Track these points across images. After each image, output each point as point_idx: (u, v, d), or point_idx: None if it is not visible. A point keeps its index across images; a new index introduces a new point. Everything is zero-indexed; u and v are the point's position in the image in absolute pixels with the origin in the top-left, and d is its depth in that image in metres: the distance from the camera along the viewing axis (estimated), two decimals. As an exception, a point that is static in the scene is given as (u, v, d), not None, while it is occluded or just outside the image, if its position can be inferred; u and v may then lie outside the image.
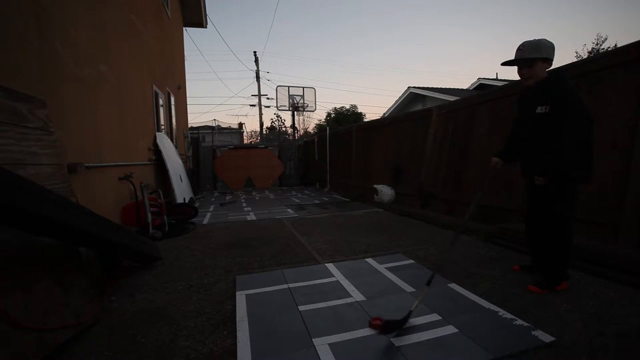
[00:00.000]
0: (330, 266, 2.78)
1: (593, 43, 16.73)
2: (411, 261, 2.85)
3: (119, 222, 3.73)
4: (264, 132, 22.76)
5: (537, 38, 2.06)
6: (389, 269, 2.67)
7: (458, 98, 5.45)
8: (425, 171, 5.28)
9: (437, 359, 1.51)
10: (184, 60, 10.06)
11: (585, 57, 13.90)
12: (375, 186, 6.33)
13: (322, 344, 1.64)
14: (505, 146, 2.40)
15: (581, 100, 1.96)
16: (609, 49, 13.68)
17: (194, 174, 9.32)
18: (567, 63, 3.22)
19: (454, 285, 2.30)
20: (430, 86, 14.16)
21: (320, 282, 2.45)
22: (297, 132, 13.63)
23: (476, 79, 13.26)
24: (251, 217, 5.32)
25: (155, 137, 5.90)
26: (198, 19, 10.20)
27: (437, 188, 5.01)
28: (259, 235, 3.96)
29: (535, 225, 2.30)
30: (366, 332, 1.74)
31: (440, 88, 13.61)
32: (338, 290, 2.28)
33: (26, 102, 2.19)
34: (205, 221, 5.04)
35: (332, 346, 1.62)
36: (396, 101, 15.35)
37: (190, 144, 9.82)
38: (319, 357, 1.54)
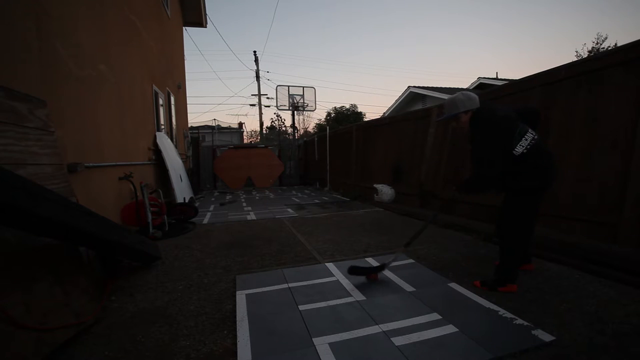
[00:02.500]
0: (330, 265, 2.78)
1: (593, 42, 16.75)
2: (411, 260, 2.85)
3: (119, 222, 3.73)
4: (264, 131, 22.77)
5: (452, 95, 2.37)
6: (389, 268, 2.67)
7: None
8: (425, 170, 5.27)
9: (437, 359, 1.51)
10: (183, 59, 10.06)
11: (585, 56, 13.89)
12: (375, 186, 6.33)
13: (322, 343, 1.64)
14: None
15: (489, 132, 2.09)
16: (609, 48, 13.67)
17: (194, 174, 9.32)
18: (566, 63, 3.22)
19: (454, 285, 2.30)
20: (430, 85, 14.16)
21: (320, 281, 2.45)
22: (297, 132, 13.63)
23: (476, 79, 13.25)
24: (251, 216, 5.32)
25: (155, 136, 5.90)
26: (198, 19, 10.20)
27: (437, 187, 5.00)
28: (259, 235, 3.96)
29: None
30: (366, 331, 1.74)
31: (440, 87, 13.60)
32: (338, 290, 2.28)
33: (26, 102, 2.19)
34: (205, 221, 5.04)
35: (332, 345, 1.62)
36: (396, 101, 15.33)
37: (190, 144, 9.82)
38: (319, 356, 1.54)
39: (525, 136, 2.09)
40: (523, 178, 2.10)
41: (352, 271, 2.48)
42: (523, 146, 2.07)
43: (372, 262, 2.85)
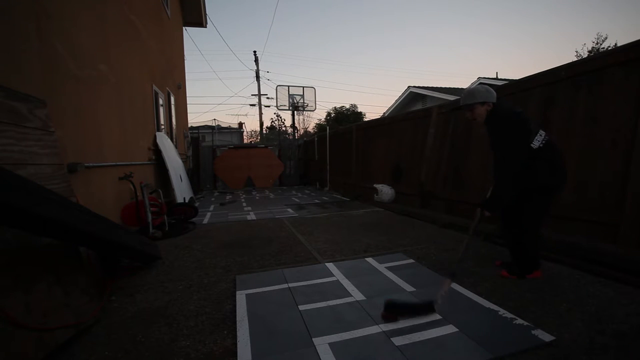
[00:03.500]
0: (330, 266, 2.78)
1: (593, 42, 16.75)
2: (411, 260, 2.85)
3: (119, 222, 3.73)
4: (264, 131, 22.77)
5: (473, 86, 2.49)
6: (389, 268, 2.67)
7: (458, 97, 5.44)
8: (425, 171, 5.27)
9: (437, 359, 1.51)
10: (183, 59, 10.06)
11: (585, 56, 13.89)
12: (375, 186, 6.33)
13: (322, 343, 1.65)
14: None
15: (512, 129, 2.15)
16: (609, 48, 13.67)
17: (194, 174, 9.32)
18: (566, 63, 3.22)
19: (454, 285, 2.30)
20: (430, 85, 14.17)
21: (320, 281, 2.45)
22: (297, 132, 13.63)
23: (476, 78, 13.26)
24: (251, 216, 5.32)
25: (155, 136, 5.90)
26: (198, 19, 10.20)
27: (437, 187, 5.00)
28: (259, 235, 3.96)
29: (509, 226, 2.47)
30: (366, 331, 1.74)
31: (440, 87, 13.61)
32: (338, 290, 2.28)
33: (26, 102, 2.19)
34: (206, 221, 5.04)
35: (332, 345, 1.62)
36: (396, 101, 15.33)
37: (190, 144, 9.82)
38: (319, 356, 1.54)
39: (540, 132, 2.15)
40: (539, 174, 2.14)
41: (390, 309, 1.83)
42: (539, 141, 2.13)
43: (373, 262, 2.85)
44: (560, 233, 3.03)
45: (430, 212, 4.76)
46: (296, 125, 13.02)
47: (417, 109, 7.01)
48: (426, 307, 1.85)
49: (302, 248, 3.37)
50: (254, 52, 20.89)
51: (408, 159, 5.85)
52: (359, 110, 21.21)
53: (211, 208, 6.45)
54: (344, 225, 4.44)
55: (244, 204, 6.85)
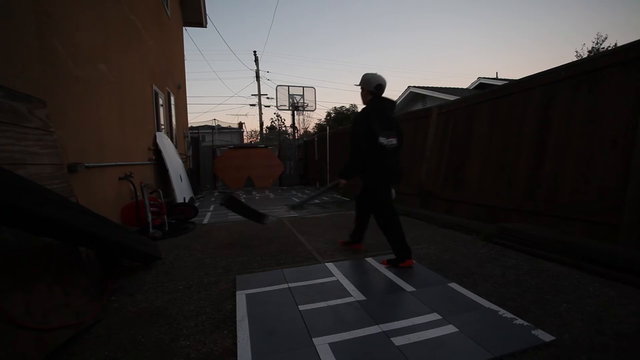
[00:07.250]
0: (330, 265, 2.78)
1: (593, 42, 16.80)
2: (411, 261, 2.85)
3: (119, 222, 3.73)
4: (264, 131, 22.80)
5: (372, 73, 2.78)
6: (389, 268, 2.67)
7: (458, 97, 5.44)
8: (425, 170, 5.27)
9: (437, 359, 1.51)
10: (183, 59, 10.06)
11: (585, 56, 13.89)
12: (375, 186, 6.32)
13: (322, 343, 1.64)
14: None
15: (358, 130, 2.73)
16: (609, 48, 13.67)
17: (194, 174, 9.33)
18: (566, 62, 3.22)
19: (454, 285, 2.30)
20: (430, 85, 14.17)
21: (320, 281, 2.45)
22: (297, 132, 13.63)
23: (476, 79, 13.26)
24: (251, 216, 5.31)
25: (155, 136, 5.90)
26: (198, 19, 10.20)
27: (436, 187, 5.00)
28: (259, 235, 3.96)
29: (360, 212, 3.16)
30: (366, 331, 1.74)
31: (440, 87, 13.62)
32: (338, 290, 2.28)
33: (26, 102, 2.19)
34: (206, 221, 5.04)
35: (332, 345, 1.62)
36: (396, 101, 15.34)
37: (190, 144, 9.82)
38: (319, 356, 1.54)
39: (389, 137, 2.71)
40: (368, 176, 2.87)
41: (228, 202, 2.96)
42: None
43: (373, 262, 2.85)
44: (560, 233, 3.03)
45: (430, 212, 4.76)
46: (296, 125, 13.05)
47: (417, 109, 7.00)
48: (258, 216, 2.71)
49: (302, 248, 3.37)
50: (254, 52, 20.88)
51: (408, 159, 5.85)
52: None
53: (211, 208, 6.45)
54: (344, 225, 4.44)
55: (244, 204, 6.84)
